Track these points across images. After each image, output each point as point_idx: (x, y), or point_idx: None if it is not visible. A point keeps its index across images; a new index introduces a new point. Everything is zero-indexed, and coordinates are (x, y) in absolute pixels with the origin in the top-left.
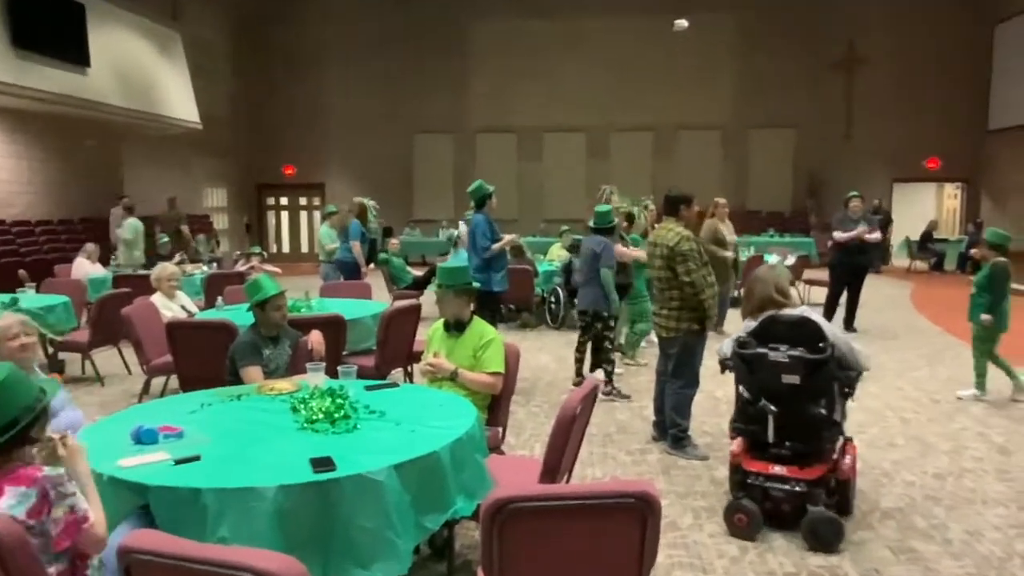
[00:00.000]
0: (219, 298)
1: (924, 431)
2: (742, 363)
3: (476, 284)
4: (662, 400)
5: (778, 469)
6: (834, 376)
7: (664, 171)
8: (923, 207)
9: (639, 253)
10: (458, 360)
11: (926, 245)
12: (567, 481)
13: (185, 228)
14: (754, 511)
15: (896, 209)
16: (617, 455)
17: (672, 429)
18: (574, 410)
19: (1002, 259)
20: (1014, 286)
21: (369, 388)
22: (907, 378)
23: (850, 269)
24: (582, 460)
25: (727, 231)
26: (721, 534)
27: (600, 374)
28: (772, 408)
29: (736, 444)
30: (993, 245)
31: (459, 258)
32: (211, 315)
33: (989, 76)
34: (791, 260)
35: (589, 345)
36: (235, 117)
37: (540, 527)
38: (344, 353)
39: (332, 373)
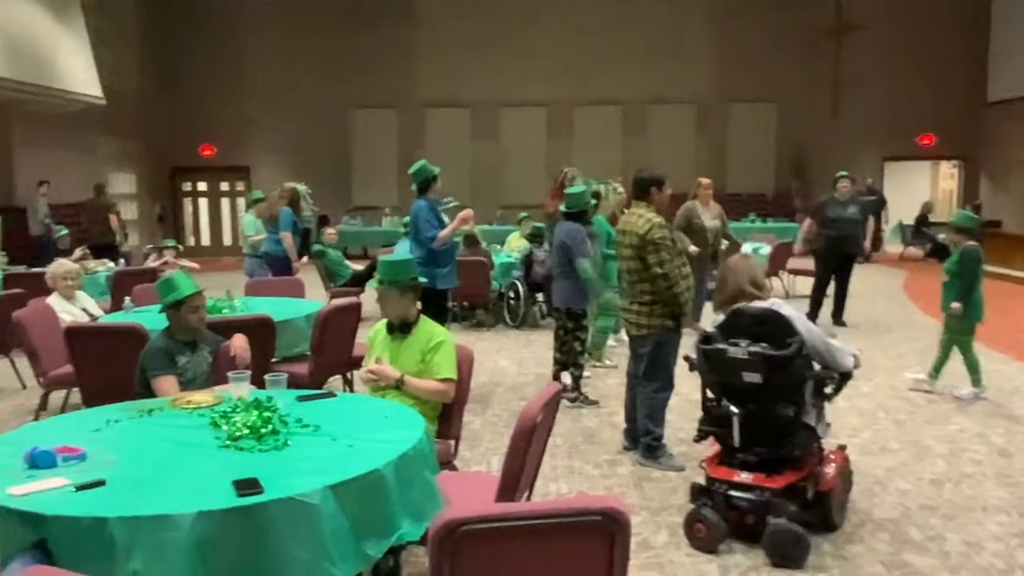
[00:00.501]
0: (127, 299)
1: (920, 434)
2: (704, 360)
3: (422, 279)
4: (633, 405)
5: (744, 476)
6: (803, 375)
7: (634, 150)
8: (917, 188)
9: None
10: (404, 366)
11: (921, 230)
12: (527, 499)
13: (114, 218)
14: (715, 521)
15: (888, 190)
16: (584, 468)
17: (645, 437)
18: (534, 419)
19: (972, 243)
20: (992, 269)
21: (302, 399)
22: (901, 376)
23: (838, 257)
24: (544, 475)
25: (708, 216)
26: (700, 552)
27: (566, 378)
28: (734, 409)
29: (713, 449)
30: (961, 228)
31: (403, 249)
32: (118, 318)
33: (987, 45)
34: (767, 249)
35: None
36: (144, 92)
37: (496, 551)
38: (273, 360)
39: (259, 383)
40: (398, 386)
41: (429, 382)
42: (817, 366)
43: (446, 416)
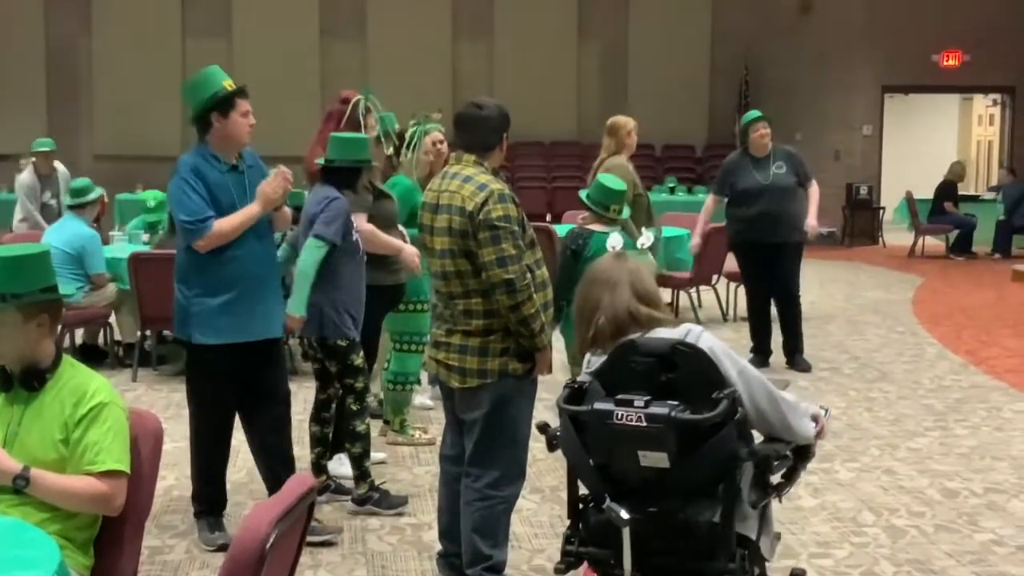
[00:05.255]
0: None
1: (929, 549)
2: (572, 430)
3: (65, 293)
4: (455, 512)
5: None
6: (737, 453)
7: (475, 65)
8: (937, 139)
9: (409, 251)
10: (29, 449)
11: (943, 208)
12: None
13: None
14: None
15: (890, 142)
16: None
17: (474, 567)
18: (263, 542)
19: (593, 228)
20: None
21: None
22: (903, 452)
23: (759, 250)
24: None
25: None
26: None
27: (337, 467)
28: (623, 515)
29: None
30: (592, 207)
31: (68, 235)
32: None
33: None
34: (648, 240)
35: (332, 408)
36: None
37: None
38: None
39: None
40: (17, 488)
41: (76, 479)
42: (759, 436)
43: (111, 540)
